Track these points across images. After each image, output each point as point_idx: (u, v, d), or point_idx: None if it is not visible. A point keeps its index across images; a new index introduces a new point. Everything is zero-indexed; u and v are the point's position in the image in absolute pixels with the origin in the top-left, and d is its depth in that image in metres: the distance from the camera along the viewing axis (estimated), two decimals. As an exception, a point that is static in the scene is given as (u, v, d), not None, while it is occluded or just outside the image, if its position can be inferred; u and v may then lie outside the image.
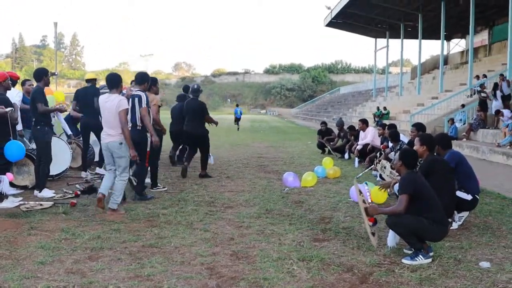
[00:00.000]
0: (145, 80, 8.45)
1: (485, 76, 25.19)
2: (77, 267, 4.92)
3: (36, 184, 8.68)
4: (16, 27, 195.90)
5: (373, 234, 5.55)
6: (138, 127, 8.16)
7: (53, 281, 4.52)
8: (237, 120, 34.72)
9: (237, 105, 38.84)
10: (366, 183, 7.06)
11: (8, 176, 7.85)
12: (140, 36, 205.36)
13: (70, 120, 11.94)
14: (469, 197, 6.70)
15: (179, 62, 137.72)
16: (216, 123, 11.77)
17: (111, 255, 5.32)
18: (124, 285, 4.47)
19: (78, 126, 11.82)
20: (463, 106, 21.97)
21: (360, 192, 5.90)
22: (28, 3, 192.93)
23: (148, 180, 9.27)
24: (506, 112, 17.33)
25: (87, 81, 11.31)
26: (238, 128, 32.97)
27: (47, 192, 8.49)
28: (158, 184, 9.45)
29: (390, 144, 10.69)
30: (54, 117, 9.91)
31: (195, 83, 11.93)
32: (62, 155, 10.06)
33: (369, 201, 5.98)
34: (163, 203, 8.01)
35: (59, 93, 11.41)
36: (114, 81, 7.66)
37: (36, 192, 8.51)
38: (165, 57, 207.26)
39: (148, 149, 8.44)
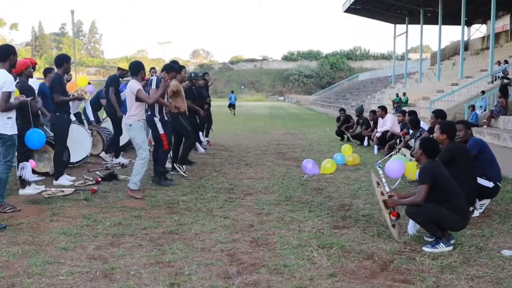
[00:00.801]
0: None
1: (506, 62, 24.84)
2: (98, 253, 4.97)
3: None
4: (36, 15, 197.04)
5: (393, 226, 5.52)
6: (148, 111, 8.39)
7: (75, 267, 4.58)
8: (231, 106, 35.00)
9: (232, 92, 38.81)
10: (379, 166, 6.98)
11: (31, 163, 7.94)
12: (158, 23, 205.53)
13: (93, 106, 12.06)
14: (490, 184, 6.64)
15: (197, 49, 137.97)
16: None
17: (132, 241, 5.37)
18: (145, 271, 4.51)
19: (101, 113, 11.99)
20: (483, 92, 21.69)
21: (378, 184, 5.86)
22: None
23: (168, 165, 9.39)
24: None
25: (118, 68, 11.41)
26: (234, 113, 33.61)
27: (64, 180, 8.53)
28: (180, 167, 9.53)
29: (410, 131, 10.61)
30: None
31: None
32: (82, 142, 10.15)
33: (387, 191, 5.95)
34: (183, 190, 8.06)
35: (82, 78, 11.43)
36: (133, 69, 8.11)
37: (53, 181, 8.58)
38: (183, 44, 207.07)
39: (161, 132, 8.46)
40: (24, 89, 7.80)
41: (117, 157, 10.92)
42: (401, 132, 10.83)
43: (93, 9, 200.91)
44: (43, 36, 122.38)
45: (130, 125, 7.79)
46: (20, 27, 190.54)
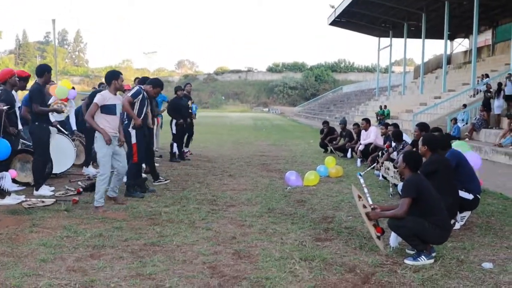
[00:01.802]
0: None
1: (487, 76, 25.13)
2: (78, 265, 4.91)
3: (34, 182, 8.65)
4: (21, 23, 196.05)
5: (378, 238, 5.53)
6: (125, 121, 8.48)
7: (54, 279, 4.52)
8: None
9: (192, 102, 38.61)
10: (360, 175, 6.98)
11: (11, 173, 7.86)
12: (143, 33, 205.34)
13: (77, 115, 11.98)
14: (470, 196, 6.69)
15: (182, 59, 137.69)
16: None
17: (113, 253, 5.31)
18: (126, 283, 4.46)
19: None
20: (465, 106, 21.92)
21: (360, 197, 5.87)
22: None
23: (144, 175, 9.42)
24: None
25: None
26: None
27: (44, 191, 8.43)
28: (160, 177, 9.57)
29: (393, 144, 10.67)
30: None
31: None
32: (66, 152, 10.07)
33: (370, 203, 5.96)
34: (165, 201, 8.01)
35: (66, 82, 11.27)
36: (106, 79, 7.87)
37: (34, 191, 8.46)
38: (168, 54, 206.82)
39: (133, 141, 8.43)
40: (6, 98, 7.76)
41: (87, 167, 10.84)
42: (385, 145, 10.88)
43: (78, 18, 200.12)
44: (27, 44, 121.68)
45: (96, 136, 7.56)
46: (4, 35, 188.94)
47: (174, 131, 13.34)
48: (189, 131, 14.15)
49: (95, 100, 7.52)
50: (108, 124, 7.51)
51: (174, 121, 13.29)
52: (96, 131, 7.46)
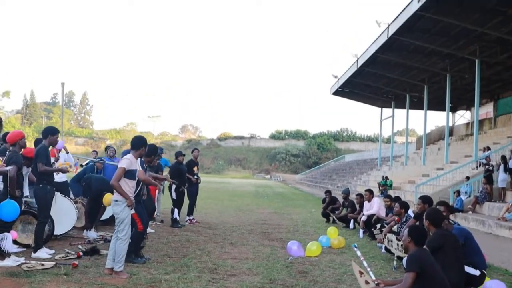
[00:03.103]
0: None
1: (489, 148, 25.29)
2: (76, 333, 4.81)
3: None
4: (28, 84, 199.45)
5: None
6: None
7: None
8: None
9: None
10: (355, 246, 6.92)
11: (12, 234, 7.82)
12: (148, 96, 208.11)
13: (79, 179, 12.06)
14: (477, 272, 6.65)
15: (186, 124, 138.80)
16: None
17: (111, 321, 5.21)
18: None
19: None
20: (467, 178, 21.93)
21: (361, 273, 5.81)
22: (41, 60, 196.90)
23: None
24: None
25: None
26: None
27: (42, 253, 8.34)
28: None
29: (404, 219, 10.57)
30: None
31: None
32: (67, 214, 10.05)
33: (373, 278, 5.89)
34: (166, 268, 7.91)
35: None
36: (134, 144, 8.00)
37: (32, 253, 8.37)
38: (172, 119, 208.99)
39: (132, 211, 8.36)
40: (16, 160, 7.85)
41: (88, 230, 10.78)
42: (396, 219, 10.69)
43: (85, 80, 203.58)
44: (34, 104, 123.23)
45: (116, 200, 7.61)
46: (12, 95, 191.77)
47: (174, 197, 13.35)
48: (192, 196, 14.12)
49: (123, 164, 7.64)
50: (129, 189, 7.69)
51: (173, 186, 13.30)
52: (117, 195, 7.56)
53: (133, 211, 7.95)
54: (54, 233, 9.52)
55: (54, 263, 7.74)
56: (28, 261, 7.77)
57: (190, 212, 14.26)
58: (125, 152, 8.99)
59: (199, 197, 15.06)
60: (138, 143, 7.93)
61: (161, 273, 7.55)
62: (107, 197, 9.77)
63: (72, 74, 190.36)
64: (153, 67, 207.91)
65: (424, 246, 5.53)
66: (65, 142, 13.69)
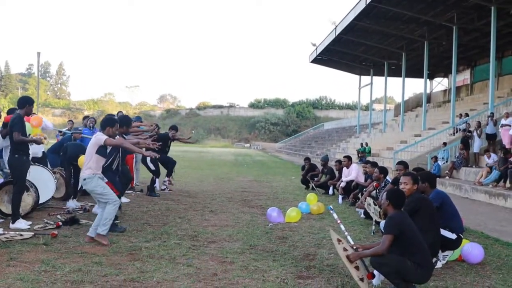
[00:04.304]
0: None
1: (467, 114, 25.54)
2: (56, 301, 4.81)
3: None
4: (3, 55, 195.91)
5: (361, 279, 5.48)
6: None
7: (31, 315, 4.42)
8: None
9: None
10: (330, 208, 6.98)
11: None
12: (126, 66, 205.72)
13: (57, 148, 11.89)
14: (453, 236, 6.74)
15: (165, 94, 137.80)
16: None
17: (91, 289, 5.22)
18: (104, 320, 4.37)
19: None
20: (445, 144, 22.18)
21: (340, 240, 5.85)
22: (16, 31, 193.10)
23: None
24: (493, 155, 17.42)
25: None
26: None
27: (21, 224, 8.28)
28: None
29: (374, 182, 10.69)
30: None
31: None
32: (46, 185, 9.96)
33: (352, 243, 5.95)
34: (146, 237, 7.91)
35: (36, 118, 11.07)
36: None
37: (10, 224, 8.32)
38: (151, 89, 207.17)
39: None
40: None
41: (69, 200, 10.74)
42: (375, 184, 10.76)
43: (61, 50, 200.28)
44: (9, 76, 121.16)
45: (85, 179, 7.66)
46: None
47: (153, 167, 13.25)
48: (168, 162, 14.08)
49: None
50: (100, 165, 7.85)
51: (148, 158, 13.11)
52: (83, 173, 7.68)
53: (105, 180, 7.93)
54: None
55: (33, 233, 7.69)
56: (6, 232, 7.70)
57: (169, 174, 14.31)
58: None
59: (179, 166, 15.04)
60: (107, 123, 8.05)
61: (141, 241, 7.55)
62: (82, 159, 9.74)
63: (47, 44, 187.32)
64: (131, 36, 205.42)
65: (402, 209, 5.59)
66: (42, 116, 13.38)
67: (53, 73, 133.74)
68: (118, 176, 9.15)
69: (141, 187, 14.09)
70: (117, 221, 8.53)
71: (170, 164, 14.14)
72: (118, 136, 8.38)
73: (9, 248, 6.83)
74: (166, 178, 14.19)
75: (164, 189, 14.09)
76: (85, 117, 14.01)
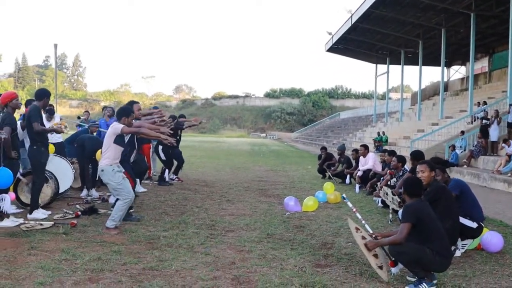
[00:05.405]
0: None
1: (485, 103, 25.30)
2: (77, 289, 4.87)
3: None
4: (20, 47, 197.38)
5: (380, 267, 5.47)
6: None
7: (53, 303, 4.47)
8: None
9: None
10: (343, 197, 6.97)
11: (10, 195, 7.83)
12: (142, 57, 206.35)
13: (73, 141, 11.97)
14: (474, 224, 6.71)
15: (180, 84, 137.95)
16: None
17: (111, 277, 5.27)
18: (125, 308, 4.42)
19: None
20: (462, 132, 22.00)
21: (358, 229, 5.83)
22: (32, 23, 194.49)
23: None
24: (512, 142, 17.21)
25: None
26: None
27: (38, 214, 8.35)
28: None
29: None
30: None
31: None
32: (64, 175, 10.04)
33: (370, 232, 5.93)
34: (164, 226, 7.97)
35: None
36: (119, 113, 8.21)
37: (28, 214, 8.40)
38: (166, 79, 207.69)
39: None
40: (10, 122, 7.79)
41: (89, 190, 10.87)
42: (388, 171, 10.79)
43: (78, 42, 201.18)
44: (26, 68, 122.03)
45: (102, 170, 7.71)
46: (4, 58, 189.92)
47: (163, 157, 13.36)
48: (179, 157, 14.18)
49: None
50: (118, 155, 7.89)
51: (160, 147, 13.22)
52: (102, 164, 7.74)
53: (123, 170, 7.99)
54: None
55: (52, 223, 7.78)
56: (26, 221, 7.81)
57: (176, 172, 14.45)
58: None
59: (195, 156, 15.10)
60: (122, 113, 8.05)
61: (159, 230, 7.61)
62: (99, 154, 9.82)
63: (64, 36, 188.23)
64: (147, 27, 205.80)
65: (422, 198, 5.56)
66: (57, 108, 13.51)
67: (70, 64, 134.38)
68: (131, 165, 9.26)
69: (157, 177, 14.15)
70: (131, 210, 8.61)
71: (180, 160, 14.22)
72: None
73: (30, 237, 6.92)
74: (174, 176, 14.25)
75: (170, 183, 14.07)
76: (104, 107, 14.12)
